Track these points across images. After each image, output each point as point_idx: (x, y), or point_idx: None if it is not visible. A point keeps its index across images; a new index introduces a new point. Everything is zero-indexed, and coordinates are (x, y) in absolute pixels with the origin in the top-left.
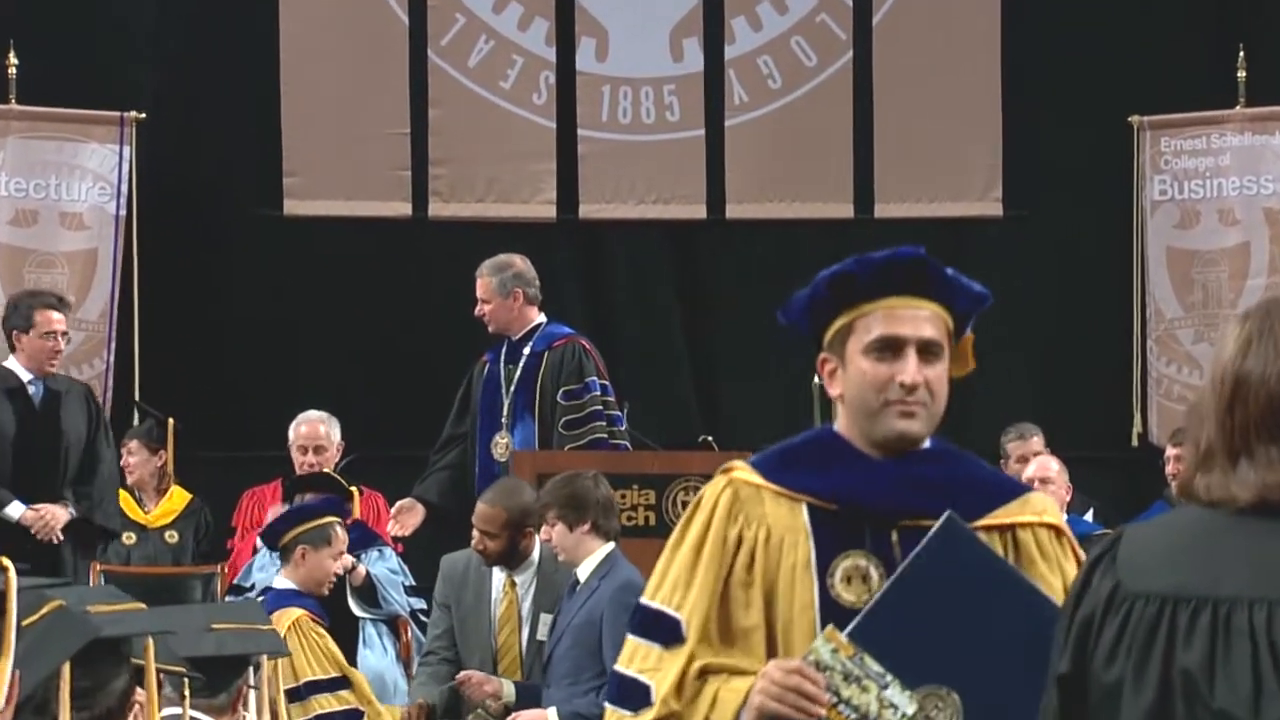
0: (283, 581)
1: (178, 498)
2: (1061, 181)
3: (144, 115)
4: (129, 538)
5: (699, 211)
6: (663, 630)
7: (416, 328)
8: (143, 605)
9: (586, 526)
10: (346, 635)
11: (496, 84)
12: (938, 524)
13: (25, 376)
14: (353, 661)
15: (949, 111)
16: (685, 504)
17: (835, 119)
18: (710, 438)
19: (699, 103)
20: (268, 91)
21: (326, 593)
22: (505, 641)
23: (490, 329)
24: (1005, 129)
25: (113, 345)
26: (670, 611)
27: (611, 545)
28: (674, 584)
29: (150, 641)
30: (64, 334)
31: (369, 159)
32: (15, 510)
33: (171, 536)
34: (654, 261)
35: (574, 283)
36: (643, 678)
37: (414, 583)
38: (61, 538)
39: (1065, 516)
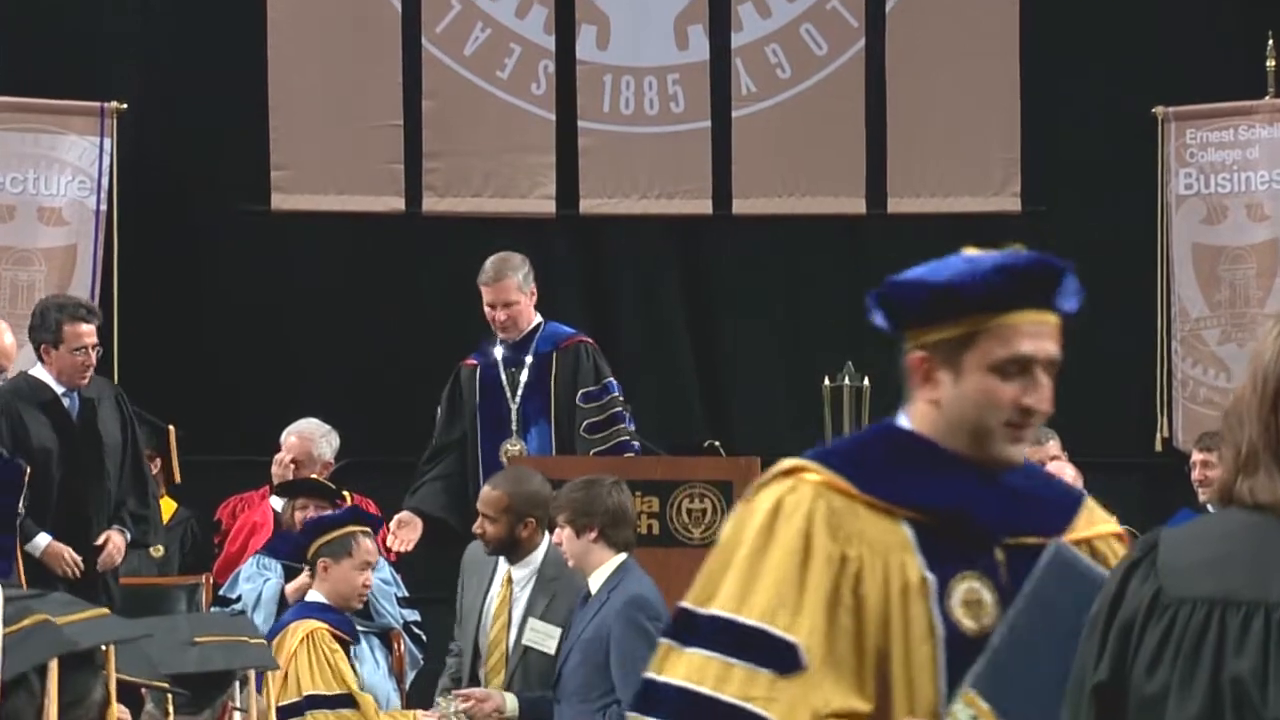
0: (314, 594)
1: (164, 508)
2: (1082, 176)
3: (125, 106)
4: None
5: (704, 206)
6: (770, 653)
7: (409, 328)
8: (106, 610)
9: (593, 534)
10: None
11: (493, 74)
12: (1046, 555)
13: (58, 389)
14: None
15: (965, 102)
16: (690, 512)
17: (846, 110)
18: (716, 442)
19: (704, 93)
20: (254, 81)
21: (358, 606)
22: (495, 637)
23: (503, 335)
24: (1024, 121)
25: None
26: (776, 631)
27: (624, 556)
28: (776, 600)
29: (111, 650)
30: (94, 346)
31: (360, 152)
32: (42, 540)
33: (157, 550)
34: (657, 259)
35: (574, 281)
36: (752, 706)
37: (407, 594)
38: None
39: None
